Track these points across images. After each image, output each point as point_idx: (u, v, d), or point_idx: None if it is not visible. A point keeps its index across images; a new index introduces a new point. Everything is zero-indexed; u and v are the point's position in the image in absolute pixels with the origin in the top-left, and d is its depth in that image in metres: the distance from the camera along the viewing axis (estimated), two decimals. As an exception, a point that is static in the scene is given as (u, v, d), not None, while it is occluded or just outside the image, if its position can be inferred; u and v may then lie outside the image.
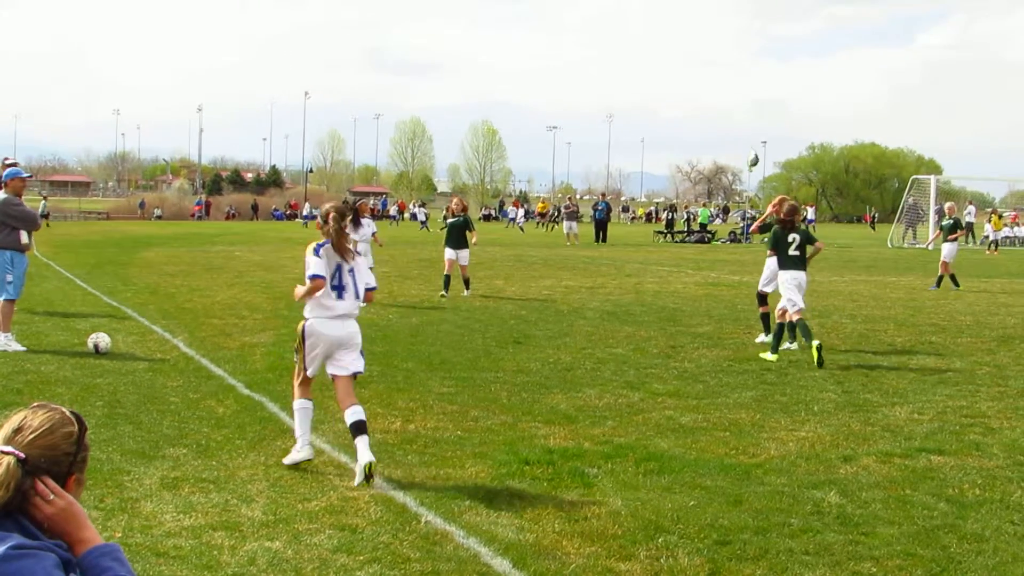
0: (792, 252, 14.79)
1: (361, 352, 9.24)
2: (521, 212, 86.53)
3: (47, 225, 69.29)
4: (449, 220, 24.94)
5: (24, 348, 14.21)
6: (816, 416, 10.55)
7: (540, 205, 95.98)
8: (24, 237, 14.89)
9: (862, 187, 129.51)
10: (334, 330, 8.99)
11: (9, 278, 14.36)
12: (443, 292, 23.29)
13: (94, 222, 73.28)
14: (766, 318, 16.11)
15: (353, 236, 22.73)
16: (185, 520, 6.99)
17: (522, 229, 72.90)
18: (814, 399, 11.42)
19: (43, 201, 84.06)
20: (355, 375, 9.13)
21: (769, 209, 16.80)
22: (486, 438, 9.46)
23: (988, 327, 18.09)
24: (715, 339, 16.16)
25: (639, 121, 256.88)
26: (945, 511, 7.35)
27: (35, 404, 3.50)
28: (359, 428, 8.35)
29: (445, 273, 23.59)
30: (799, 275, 14.76)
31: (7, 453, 3.31)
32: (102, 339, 13.81)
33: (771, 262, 15.79)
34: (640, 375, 12.84)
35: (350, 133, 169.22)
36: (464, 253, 23.76)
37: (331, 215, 9.04)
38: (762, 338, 15.94)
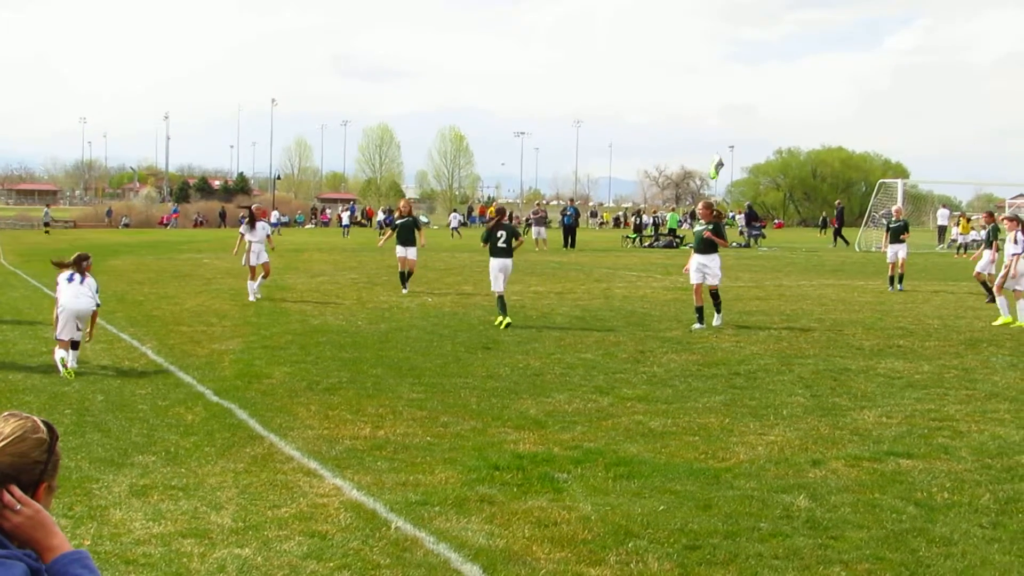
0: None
1: None
2: (457, 217, 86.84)
3: (47, 233, 69.16)
4: (398, 221, 26.41)
5: None
6: (785, 420, 10.57)
7: (490, 210, 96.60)
8: None
9: (829, 191, 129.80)
10: None
11: None
12: (403, 289, 24.88)
13: (61, 231, 72.79)
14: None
15: (249, 237, 23.83)
16: (154, 527, 6.96)
17: (459, 234, 73.12)
18: (783, 403, 11.45)
19: (46, 209, 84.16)
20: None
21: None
22: (456, 444, 9.44)
23: (955, 330, 18.19)
24: (684, 344, 16.19)
25: (607, 126, 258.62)
26: (914, 515, 7.37)
27: (6, 413, 3.47)
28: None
29: (400, 271, 25.44)
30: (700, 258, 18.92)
31: (-24, 463, 3.28)
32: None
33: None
34: (609, 380, 12.84)
35: (317, 140, 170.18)
36: (412, 250, 25.36)
37: None
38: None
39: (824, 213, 78.78)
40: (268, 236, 24.68)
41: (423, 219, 28.95)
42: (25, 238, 59.46)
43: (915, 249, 30.96)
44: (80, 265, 13.35)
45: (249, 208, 26.17)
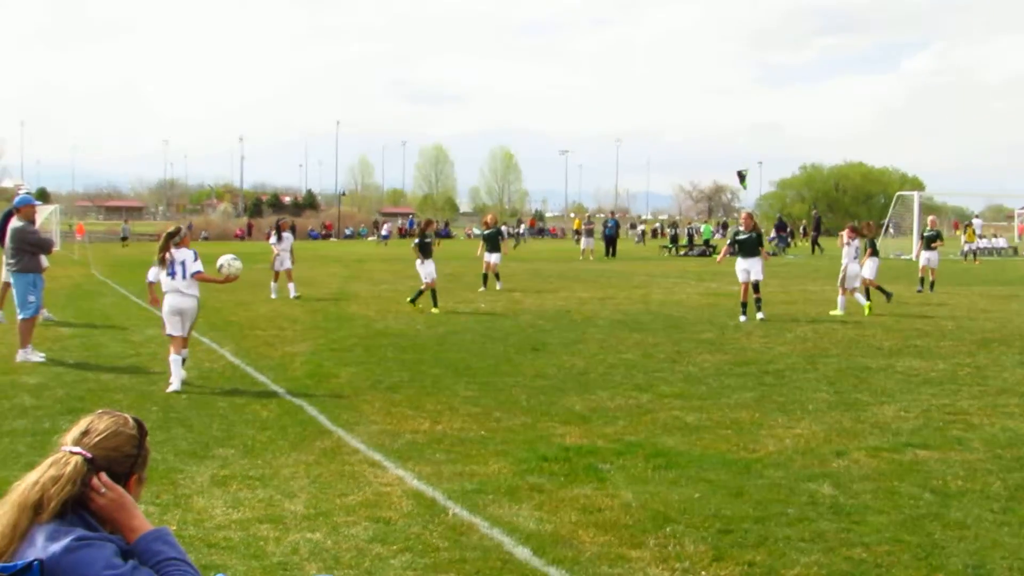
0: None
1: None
2: (387, 227, 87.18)
3: (124, 246, 69.98)
4: (486, 232, 29.72)
5: (43, 357, 14.30)
6: (811, 414, 10.53)
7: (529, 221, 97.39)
8: (44, 261, 15.13)
9: (851, 203, 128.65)
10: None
11: (31, 299, 14.51)
12: (482, 287, 28.00)
13: (143, 243, 73.40)
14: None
15: (278, 246, 25.01)
16: (233, 514, 7.04)
17: (385, 244, 73.82)
18: (808, 399, 11.40)
19: (124, 224, 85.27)
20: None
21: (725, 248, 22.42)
22: (507, 437, 9.48)
23: (968, 331, 18.02)
24: (717, 344, 16.14)
25: (645, 144, 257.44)
26: (930, 501, 7.34)
27: (100, 411, 3.55)
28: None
29: (483, 272, 28.46)
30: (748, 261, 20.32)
31: (75, 453, 3.36)
32: (228, 261, 12.69)
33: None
34: (648, 378, 12.83)
35: (379, 159, 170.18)
36: (496, 255, 28.64)
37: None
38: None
39: (803, 222, 77.74)
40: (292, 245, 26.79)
41: (504, 230, 29.97)
42: (112, 250, 59.99)
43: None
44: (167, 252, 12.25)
45: (277, 222, 28.93)
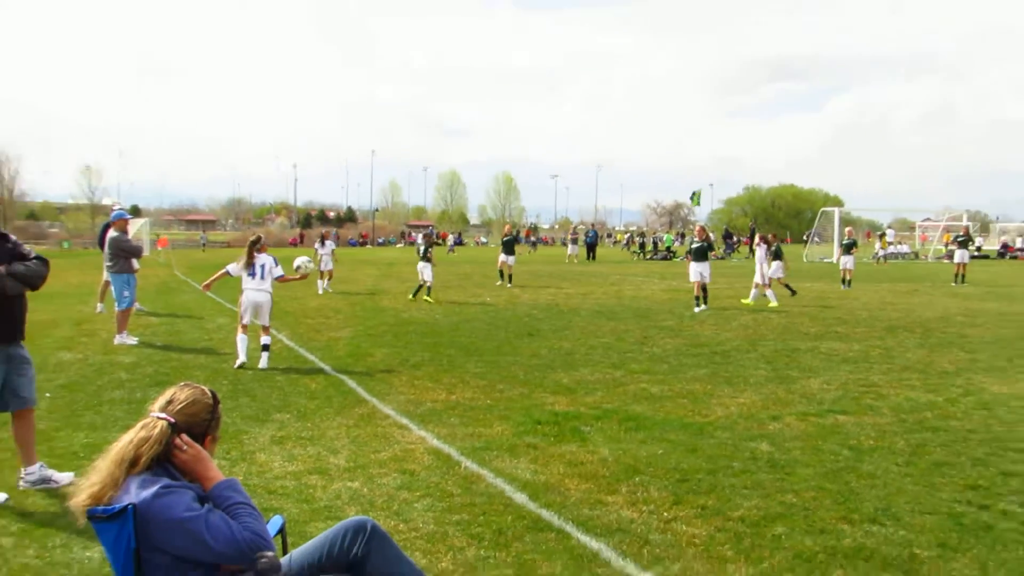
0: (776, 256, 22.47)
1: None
2: (452, 238, 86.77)
3: (203, 251, 70.08)
4: (504, 238, 30.40)
5: (136, 340, 14.36)
6: (751, 387, 10.53)
7: (527, 231, 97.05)
8: (135, 263, 15.26)
9: (784, 217, 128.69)
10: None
11: (126, 294, 14.79)
12: (498, 281, 29.26)
13: (216, 249, 73.39)
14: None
15: (321, 251, 25.54)
16: (288, 467, 7.04)
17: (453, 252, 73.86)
18: (750, 374, 11.40)
19: (202, 234, 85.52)
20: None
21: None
22: (508, 405, 9.46)
23: (878, 320, 18.01)
24: (676, 331, 16.13)
25: (619, 170, 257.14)
26: (847, 456, 7.34)
27: (182, 383, 3.57)
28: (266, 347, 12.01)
29: (499, 269, 29.76)
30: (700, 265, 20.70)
31: (161, 418, 3.38)
32: (304, 263, 12.94)
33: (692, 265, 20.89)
34: (621, 358, 12.82)
35: (405, 182, 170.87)
36: (512, 258, 29.24)
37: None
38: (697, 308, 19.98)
39: (721, 235, 77.24)
40: (333, 250, 27.32)
41: (520, 237, 30.68)
42: (190, 255, 60.05)
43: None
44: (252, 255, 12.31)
45: (321, 232, 30.15)
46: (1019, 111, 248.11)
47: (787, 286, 24.32)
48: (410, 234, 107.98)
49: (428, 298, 22.62)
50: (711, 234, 32.17)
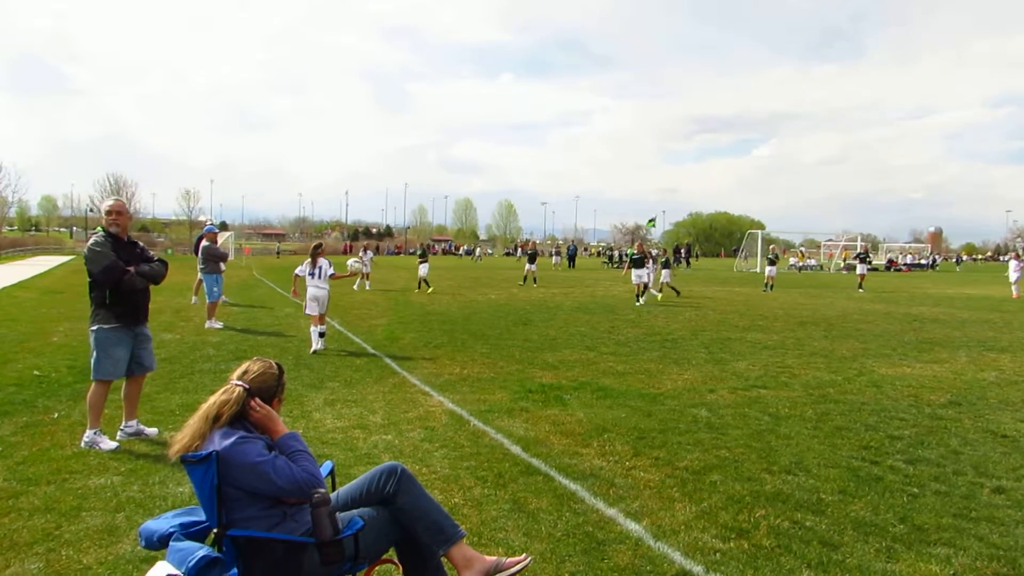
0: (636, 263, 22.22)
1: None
2: (479, 251, 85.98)
3: (277, 257, 69.97)
4: (529, 251, 31.35)
5: (222, 325, 14.35)
6: (693, 366, 10.50)
7: (531, 243, 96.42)
8: (222, 266, 15.31)
9: (720, 237, 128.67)
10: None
11: (215, 289, 14.96)
12: (522, 282, 29.61)
13: (288, 256, 73.27)
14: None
15: (364, 258, 26.56)
16: (337, 423, 7.01)
17: (479, 260, 73.58)
18: (692, 357, 11.37)
19: (278, 245, 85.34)
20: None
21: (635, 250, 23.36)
22: (507, 378, 9.44)
23: (792, 317, 17.99)
24: (636, 323, 16.11)
25: (593, 199, 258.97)
26: (768, 422, 7.31)
27: (255, 358, 3.54)
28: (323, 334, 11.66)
29: (524, 275, 30.51)
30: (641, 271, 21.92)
31: (238, 385, 3.35)
32: (352, 263, 13.77)
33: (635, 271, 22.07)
34: (594, 342, 12.78)
35: (430, 206, 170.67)
36: (534, 266, 29.87)
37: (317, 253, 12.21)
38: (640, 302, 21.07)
39: (672, 249, 76.24)
40: (372, 259, 28.08)
41: (540, 249, 30.79)
42: (266, 260, 60.01)
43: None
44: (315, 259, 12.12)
45: (364, 245, 31.24)
46: (896, 159, 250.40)
47: (673, 288, 24.79)
48: (433, 246, 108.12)
49: (429, 290, 24.23)
50: (654, 250, 32.94)
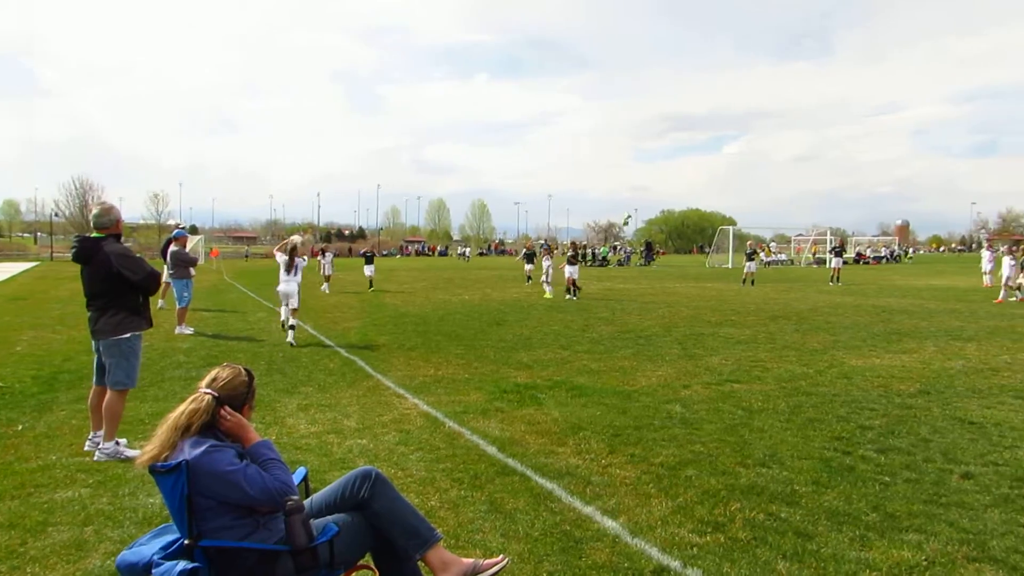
0: (571, 261, 23.31)
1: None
2: (467, 251, 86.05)
3: (246, 261, 69.17)
4: (526, 251, 30.80)
5: (192, 330, 14.21)
6: (667, 363, 10.55)
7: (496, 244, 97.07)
8: (192, 271, 15.17)
9: (692, 234, 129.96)
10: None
11: (185, 294, 14.84)
12: (527, 282, 29.63)
13: (259, 259, 72.59)
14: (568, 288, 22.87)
15: (323, 260, 27.00)
16: (311, 428, 6.94)
17: (467, 260, 73.25)
18: (666, 353, 11.43)
19: (247, 248, 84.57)
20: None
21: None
22: (482, 378, 9.41)
23: (764, 311, 18.18)
24: (610, 320, 16.17)
25: (567, 198, 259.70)
26: (741, 415, 7.37)
27: (224, 364, 3.49)
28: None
29: (526, 275, 30.85)
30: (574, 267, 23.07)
31: (208, 393, 3.31)
32: (296, 238, 13.84)
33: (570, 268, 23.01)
34: (568, 341, 12.80)
35: (403, 207, 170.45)
36: (530, 267, 28.91)
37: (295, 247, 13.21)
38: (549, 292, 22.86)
39: (644, 245, 76.54)
40: (332, 260, 28.16)
41: (536, 250, 28.93)
42: (237, 264, 59.34)
43: (737, 266, 31.37)
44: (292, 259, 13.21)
45: (323, 248, 31.21)
46: (865, 155, 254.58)
47: (575, 284, 24.24)
48: (406, 247, 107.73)
49: (370, 289, 25.59)
50: (593, 249, 34.03)
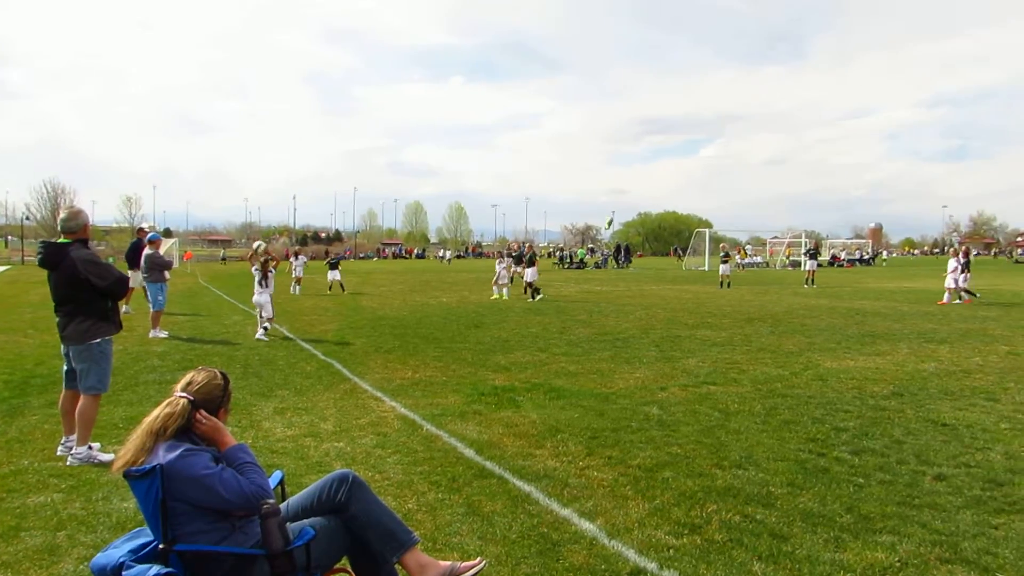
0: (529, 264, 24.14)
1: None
2: (449, 253, 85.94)
3: (223, 264, 68.46)
4: (515, 253, 27.86)
5: (167, 334, 14.08)
6: (644, 365, 10.60)
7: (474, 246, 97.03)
8: (167, 274, 15.02)
9: (668, 236, 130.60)
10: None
11: (160, 298, 14.67)
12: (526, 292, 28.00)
13: (234, 263, 71.91)
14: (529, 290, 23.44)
15: (295, 263, 27.59)
16: (288, 432, 6.89)
17: (449, 263, 72.84)
18: (643, 355, 11.48)
19: (223, 251, 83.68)
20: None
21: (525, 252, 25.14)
22: (459, 381, 9.40)
23: (740, 313, 18.32)
24: (587, 323, 16.21)
25: (543, 201, 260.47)
26: (718, 417, 7.42)
27: (199, 367, 3.46)
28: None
29: (525, 283, 27.93)
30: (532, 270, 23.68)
31: (183, 397, 3.29)
32: (260, 244, 15.20)
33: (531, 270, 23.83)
34: (546, 343, 12.82)
35: (380, 210, 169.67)
36: (531, 270, 25.15)
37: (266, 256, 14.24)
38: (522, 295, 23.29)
39: (613, 248, 76.58)
40: (305, 263, 29.13)
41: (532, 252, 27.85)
42: (211, 267, 58.81)
43: (713, 268, 31.65)
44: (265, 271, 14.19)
45: (296, 251, 32.15)
46: (838, 158, 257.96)
47: (534, 287, 23.91)
48: (383, 250, 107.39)
49: (343, 291, 26.19)
50: (571, 251, 34.45)
